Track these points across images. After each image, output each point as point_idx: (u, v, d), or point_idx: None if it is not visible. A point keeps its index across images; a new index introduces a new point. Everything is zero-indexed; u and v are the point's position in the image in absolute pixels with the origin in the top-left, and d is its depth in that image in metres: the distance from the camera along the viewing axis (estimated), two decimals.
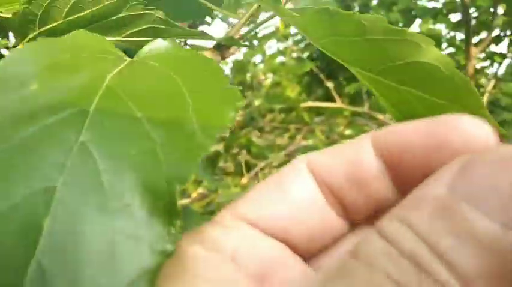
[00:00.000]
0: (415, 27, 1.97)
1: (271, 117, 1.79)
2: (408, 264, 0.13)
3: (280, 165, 1.28)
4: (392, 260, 0.14)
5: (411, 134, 0.18)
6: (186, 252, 0.16)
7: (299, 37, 1.99)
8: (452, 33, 1.84)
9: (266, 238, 0.18)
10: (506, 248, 0.13)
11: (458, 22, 1.60)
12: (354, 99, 1.82)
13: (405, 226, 0.14)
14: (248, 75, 1.57)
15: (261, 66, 1.97)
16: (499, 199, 0.13)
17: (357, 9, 1.81)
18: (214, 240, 0.17)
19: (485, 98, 1.64)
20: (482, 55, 1.68)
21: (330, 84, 2.04)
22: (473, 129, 0.16)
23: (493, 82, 1.53)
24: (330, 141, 1.31)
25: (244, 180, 1.48)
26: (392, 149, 0.18)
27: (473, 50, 1.48)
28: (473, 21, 1.63)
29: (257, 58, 2.09)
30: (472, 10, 1.69)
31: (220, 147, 1.62)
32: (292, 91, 1.27)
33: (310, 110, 1.71)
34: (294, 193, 0.18)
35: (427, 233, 0.13)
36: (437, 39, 1.82)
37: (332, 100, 1.78)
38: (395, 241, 0.14)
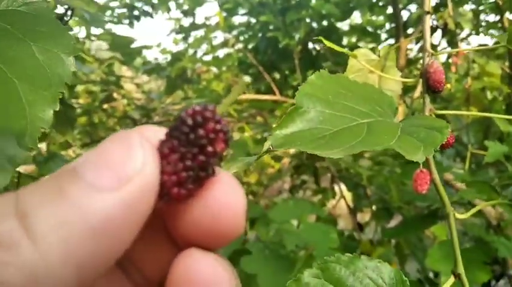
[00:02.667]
0: (357, 18, 1.99)
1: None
2: None
3: None
4: None
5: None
6: None
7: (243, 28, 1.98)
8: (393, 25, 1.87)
9: None
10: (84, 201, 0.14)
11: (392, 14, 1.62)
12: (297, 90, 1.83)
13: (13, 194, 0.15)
14: (188, 67, 1.55)
15: (205, 58, 1.96)
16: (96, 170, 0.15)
17: None
18: None
19: (419, 86, 1.68)
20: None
21: (276, 76, 2.05)
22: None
23: None
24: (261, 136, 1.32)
25: None
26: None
27: (404, 42, 1.51)
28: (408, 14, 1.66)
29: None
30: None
31: None
32: (218, 85, 1.26)
33: (251, 102, 1.71)
34: None
35: (25, 192, 0.14)
36: (376, 30, 1.84)
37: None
38: None
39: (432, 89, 0.50)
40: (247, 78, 1.84)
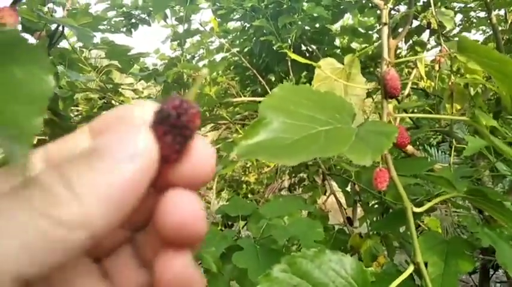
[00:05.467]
0: (350, 20, 2.04)
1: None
2: (41, 186, 0.18)
3: None
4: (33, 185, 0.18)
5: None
6: None
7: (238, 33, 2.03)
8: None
9: None
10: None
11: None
12: None
13: (53, 169, 0.19)
14: (184, 72, 1.60)
15: (201, 63, 2.01)
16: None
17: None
18: None
19: (409, 85, 1.73)
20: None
21: (271, 78, 2.10)
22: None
23: (415, 70, 1.61)
24: None
25: None
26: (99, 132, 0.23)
27: (392, 42, 1.55)
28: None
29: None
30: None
31: None
32: (210, 90, 1.32)
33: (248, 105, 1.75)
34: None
35: (64, 168, 0.19)
36: (367, 31, 1.88)
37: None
38: (38, 177, 0.19)
39: (389, 95, 0.55)
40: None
